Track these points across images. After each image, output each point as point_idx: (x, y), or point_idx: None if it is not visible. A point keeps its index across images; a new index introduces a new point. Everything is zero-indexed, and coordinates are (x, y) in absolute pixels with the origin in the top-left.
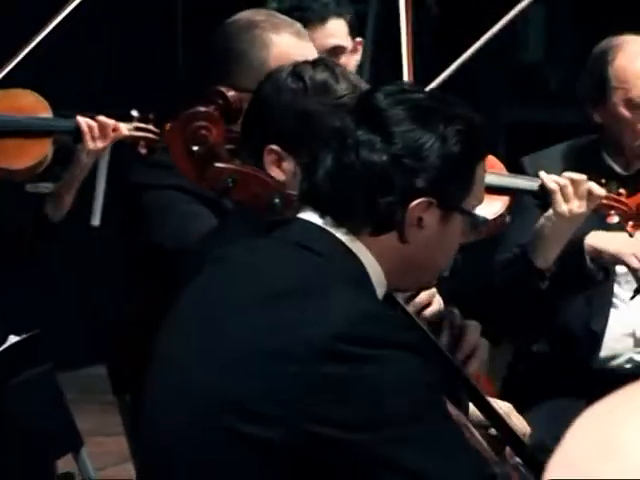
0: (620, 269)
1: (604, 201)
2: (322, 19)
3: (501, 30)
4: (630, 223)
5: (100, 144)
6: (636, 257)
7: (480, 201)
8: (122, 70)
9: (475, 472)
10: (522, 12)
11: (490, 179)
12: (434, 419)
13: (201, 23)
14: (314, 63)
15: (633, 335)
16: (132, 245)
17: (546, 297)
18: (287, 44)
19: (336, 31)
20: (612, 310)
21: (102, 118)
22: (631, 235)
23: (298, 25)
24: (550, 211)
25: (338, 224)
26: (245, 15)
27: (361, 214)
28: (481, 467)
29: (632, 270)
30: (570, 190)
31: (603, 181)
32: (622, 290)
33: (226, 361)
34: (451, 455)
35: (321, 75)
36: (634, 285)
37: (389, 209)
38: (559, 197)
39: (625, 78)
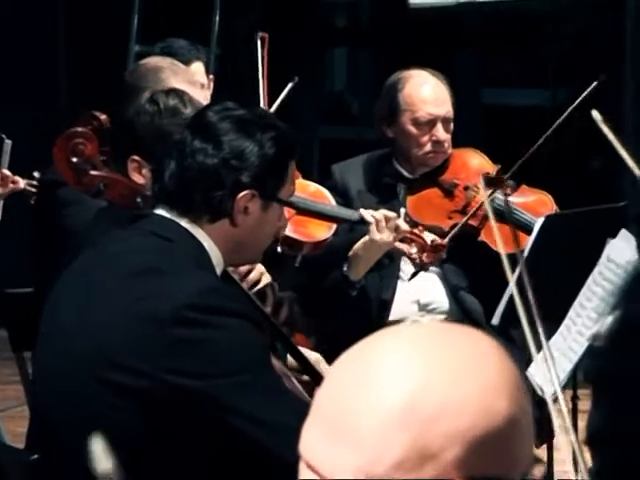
0: None
1: (407, 235)
2: (188, 61)
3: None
4: (424, 255)
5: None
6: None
7: (292, 192)
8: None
9: (299, 412)
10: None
11: (326, 209)
12: (265, 372)
13: (82, 56)
14: (167, 92)
15: (417, 302)
16: (44, 228)
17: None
18: (181, 87)
19: (198, 71)
20: (400, 282)
21: (5, 172)
22: (425, 268)
23: (191, 74)
24: (365, 237)
25: (183, 215)
26: (153, 61)
27: (200, 206)
28: (302, 410)
29: (411, 258)
30: (383, 224)
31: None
32: (407, 267)
33: (102, 325)
34: (280, 400)
35: (172, 101)
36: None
37: (221, 201)
38: (374, 228)
39: (412, 102)
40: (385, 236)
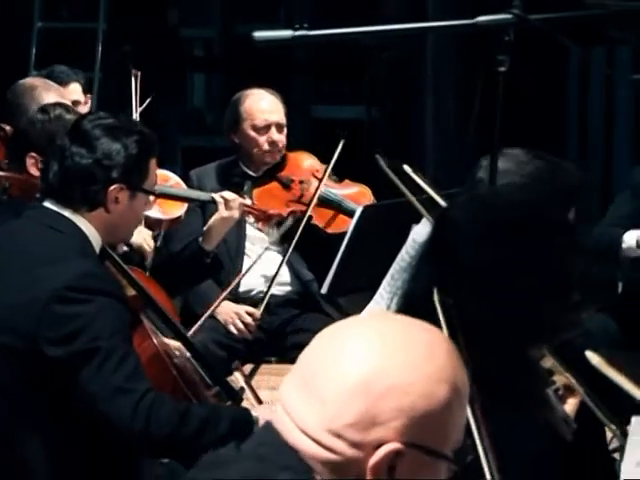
0: (250, 232)
1: (246, 209)
2: (66, 83)
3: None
4: (260, 223)
5: None
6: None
7: (154, 183)
8: None
9: (140, 381)
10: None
11: (180, 192)
12: (125, 345)
13: None
14: (55, 104)
15: (264, 276)
16: None
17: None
18: (52, 100)
19: (75, 91)
20: (247, 260)
21: None
22: (263, 231)
23: (62, 89)
24: (216, 215)
25: (66, 207)
26: (29, 80)
27: (79, 199)
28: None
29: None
30: (230, 202)
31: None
32: (254, 247)
33: (2, 301)
34: (133, 371)
35: (58, 110)
36: (264, 243)
37: (96, 194)
38: (222, 207)
39: (251, 112)
40: (231, 212)
